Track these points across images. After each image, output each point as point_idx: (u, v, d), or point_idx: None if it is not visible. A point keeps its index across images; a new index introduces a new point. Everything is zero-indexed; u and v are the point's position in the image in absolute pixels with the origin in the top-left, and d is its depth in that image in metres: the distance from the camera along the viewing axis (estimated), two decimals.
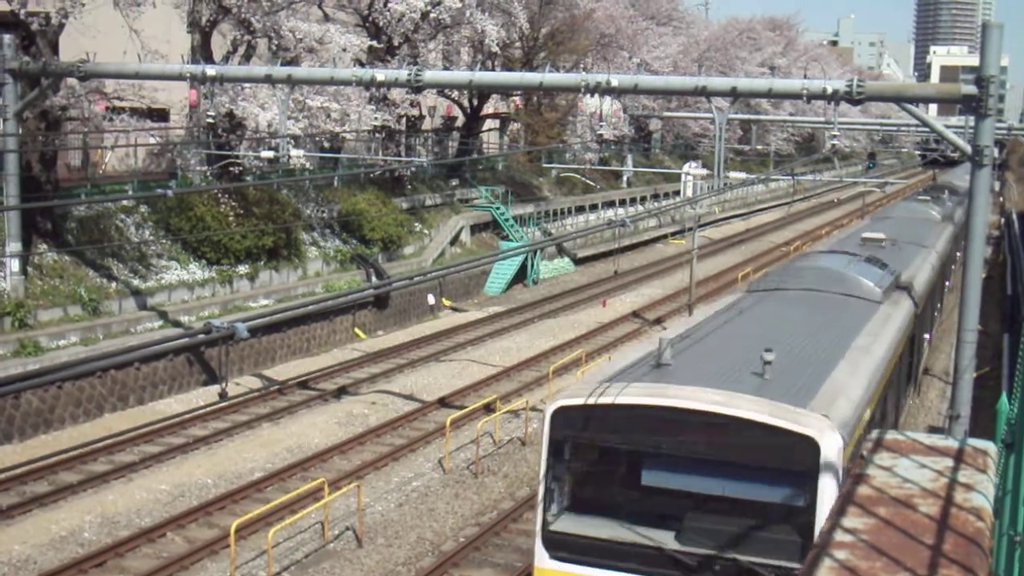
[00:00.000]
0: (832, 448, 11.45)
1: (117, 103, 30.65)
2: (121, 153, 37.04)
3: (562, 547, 12.59)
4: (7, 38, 27.45)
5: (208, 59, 32.48)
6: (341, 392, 29.66)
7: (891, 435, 9.68)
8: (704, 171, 51.80)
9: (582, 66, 53.95)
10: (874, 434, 10.08)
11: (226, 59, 34.53)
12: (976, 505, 7.52)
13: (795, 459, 11.61)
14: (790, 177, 70.76)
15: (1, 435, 24.03)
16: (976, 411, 19.80)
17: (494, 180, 54.18)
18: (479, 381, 30.93)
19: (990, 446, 9.37)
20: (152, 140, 35.64)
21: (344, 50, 35.59)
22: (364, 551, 19.39)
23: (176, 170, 36.99)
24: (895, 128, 77.68)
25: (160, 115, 37.57)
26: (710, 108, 51.38)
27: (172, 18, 34.94)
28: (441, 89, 47.09)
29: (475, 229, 48.69)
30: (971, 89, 18.24)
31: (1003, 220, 67.31)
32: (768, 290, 19.70)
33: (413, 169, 45.95)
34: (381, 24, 41.43)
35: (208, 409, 26.51)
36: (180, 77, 26.48)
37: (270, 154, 32.40)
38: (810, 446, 11.48)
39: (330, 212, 40.27)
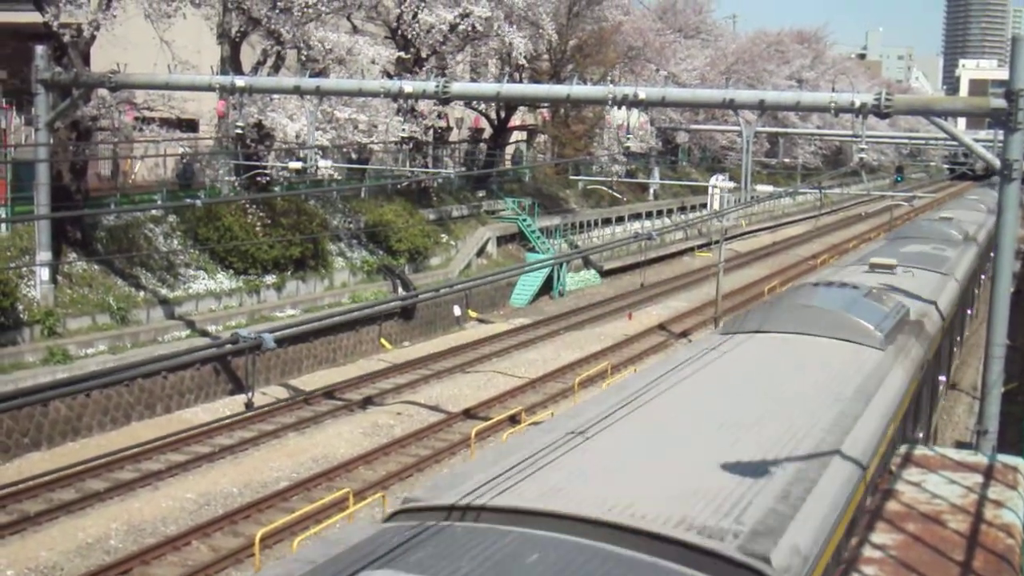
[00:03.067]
0: None
1: (147, 113, 30.89)
2: (151, 163, 37.34)
3: None
4: (40, 49, 27.73)
5: (237, 70, 32.68)
6: (367, 402, 29.70)
7: (920, 450, 9.62)
8: (731, 184, 51.64)
9: (610, 78, 53.91)
10: (903, 449, 10.00)
11: (255, 70, 34.72)
12: (1006, 522, 7.46)
13: None
14: (817, 190, 70.44)
15: (30, 442, 24.20)
16: (1004, 427, 19.63)
17: (521, 192, 54.21)
18: (504, 392, 30.92)
19: (1020, 462, 9.30)
20: (181, 150, 35.91)
21: (373, 62, 35.71)
22: None
23: (188, 181, 37.18)
24: (923, 141, 77.20)
25: (189, 125, 37.85)
26: (737, 121, 51.42)
27: (202, 29, 35.20)
28: (468, 101, 47.18)
29: (501, 241, 48.70)
30: (1000, 103, 18.10)
31: None
32: (747, 332, 16.33)
33: (440, 180, 46.05)
34: (410, 36, 41.61)
35: (234, 418, 26.60)
36: (209, 88, 26.66)
37: (298, 165, 32.57)
38: None
39: (357, 223, 40.38)
